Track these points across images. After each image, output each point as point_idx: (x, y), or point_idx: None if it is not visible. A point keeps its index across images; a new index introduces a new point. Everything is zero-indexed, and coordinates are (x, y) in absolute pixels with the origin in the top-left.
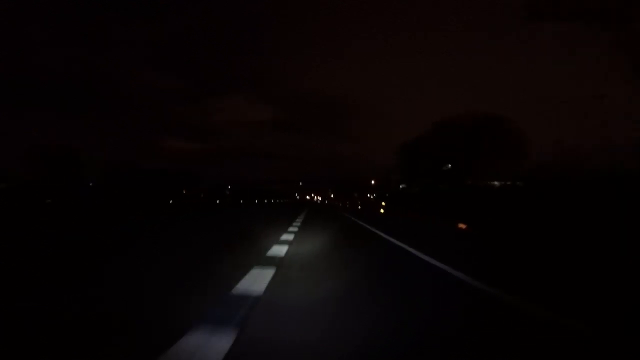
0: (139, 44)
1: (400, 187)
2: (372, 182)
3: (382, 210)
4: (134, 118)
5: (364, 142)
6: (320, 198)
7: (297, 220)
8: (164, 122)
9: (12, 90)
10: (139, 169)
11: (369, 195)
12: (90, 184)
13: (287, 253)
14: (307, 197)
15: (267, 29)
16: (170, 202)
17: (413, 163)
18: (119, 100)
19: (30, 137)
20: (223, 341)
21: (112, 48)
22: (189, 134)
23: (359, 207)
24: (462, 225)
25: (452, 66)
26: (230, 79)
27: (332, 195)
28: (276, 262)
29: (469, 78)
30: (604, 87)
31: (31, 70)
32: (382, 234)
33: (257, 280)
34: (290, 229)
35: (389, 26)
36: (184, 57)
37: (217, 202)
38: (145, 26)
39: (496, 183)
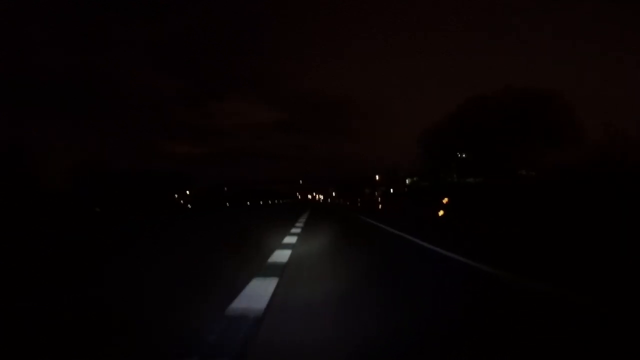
0: (139, 44)
1: (407, 181)
2: (377, 177)
3: (440, 213)
4: (134, 119)
5: (365, 142)
6: (322, 197)
7: (295, 227)
8: (164, 122)
9: (12, 90)
10: (113, 170)
11: (375, 193)
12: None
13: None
14: (309, 197)
15: (267, 29)
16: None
17: (443, 149)
18: (119, 101)
19: (31, 138)
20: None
21: (112, 48)
22: (189, 134)
23: (380, 207)
24: None
25: (452, 66)
26: (230, 79)
27: (333, 194)
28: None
29: (470, 78)
30: (607, 84)
31: (31, 70)
32: None
33: None
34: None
35: (389, 26)
36: (184, 57)
37: (189, 206)
38: (145, 26)
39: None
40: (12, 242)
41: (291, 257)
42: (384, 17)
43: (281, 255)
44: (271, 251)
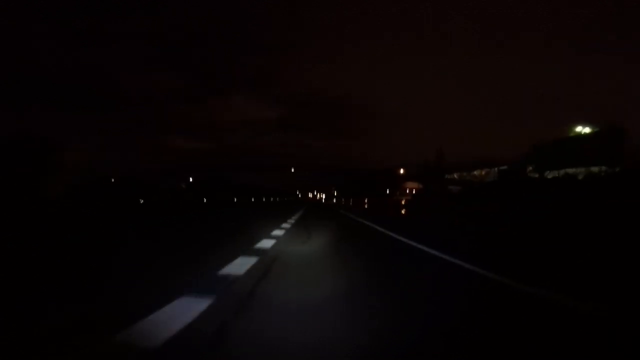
0: (142, 42)
1: (456, 175)
2: (401, 171)
3: None
4: (137, 117)
5: (372, 141)
6: (324, 196)
7: None
8: (166, 121)
9: (12, 88)
10: None
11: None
12: None
13: None
14: (310, 196)
15: (270, 27)
16: None
17: None
18: (121, 99)
19: (31, 135)
20: None
21: (115, 46)
22: (192, 132)
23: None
24: None
25: (452, 66)
26: (233, 78)
27: (335, 193)
28: None
29: (470, 78)
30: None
31: (32, 68)
32: None
33: None
34: None
35: (390, 26)
36: (187, 56)
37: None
38: (147, 24)
39: None
40: (11, 242)
41: None
42: (385, 17)
43: None
44: None
